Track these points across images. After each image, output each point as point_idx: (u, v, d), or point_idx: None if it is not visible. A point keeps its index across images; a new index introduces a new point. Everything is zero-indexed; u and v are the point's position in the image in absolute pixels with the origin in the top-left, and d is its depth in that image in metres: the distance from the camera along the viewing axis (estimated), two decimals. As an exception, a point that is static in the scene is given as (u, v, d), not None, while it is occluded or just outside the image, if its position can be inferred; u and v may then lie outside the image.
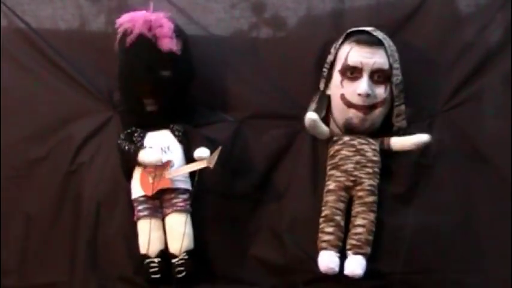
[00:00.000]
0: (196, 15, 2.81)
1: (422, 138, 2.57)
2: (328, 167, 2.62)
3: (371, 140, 2.62)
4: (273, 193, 2.68)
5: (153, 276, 2.52)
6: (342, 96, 2.60)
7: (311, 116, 2.58)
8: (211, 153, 2.53)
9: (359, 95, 2.56)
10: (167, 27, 2.58)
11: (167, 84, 2.59)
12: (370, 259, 2.55)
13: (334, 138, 2.63)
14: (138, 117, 2.64)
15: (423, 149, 2.60)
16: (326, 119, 2.69)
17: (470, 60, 2.74)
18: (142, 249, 2.55)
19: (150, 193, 2.55)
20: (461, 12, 2.79)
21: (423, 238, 2.60)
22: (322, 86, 2.69)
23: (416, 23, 2.78)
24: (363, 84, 2.56)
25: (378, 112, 2.61)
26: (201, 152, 2.54)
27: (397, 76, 2.62)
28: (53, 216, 2.68)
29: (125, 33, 2.58)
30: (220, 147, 2.52)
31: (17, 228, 2.70)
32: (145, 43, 2.56)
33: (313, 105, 2.70)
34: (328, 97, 2.68)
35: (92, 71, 2.79)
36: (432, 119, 2.71)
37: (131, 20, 2.58)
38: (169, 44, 2.56)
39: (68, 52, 2.81)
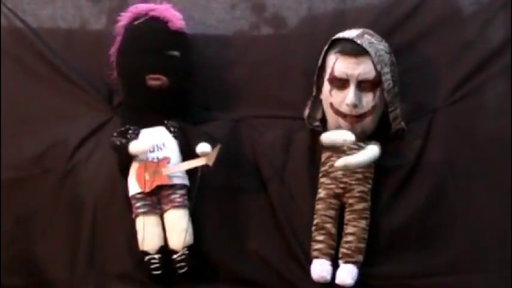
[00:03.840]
0: (196, 15, 2.81)
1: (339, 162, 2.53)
2: (320, 175, 2.60)
3: (362, 145, 2.59)
4: (271, 192, 2.65)
5: (154, 272, 2.52)
6: (331, 105, 2.60)
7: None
8: (211, 150, 2.52)
9: (347, 105, 2.56)
10: (176, 12, 2.69)
11: (174, 64, 2.65)
12: (368, 262, 2.54)
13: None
14: (140, 102, 2.65)
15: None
16: (324, 122, 2.69)
17: (471, 58, 2.73)
18: (142, 246, 2.54)
19: (146, 189, 2.55)
20: (462, 11, 2.78)
21: (422, 239, 2.59)
22: (314, 90, 2.69)
23: (418, 21, 2.77)
24: (350, 95, 2.55)
25: (368, 120, 2.60)
26: (204, 147, 2.53)
27: (388, 81, 2.59)
28: (51, 215, 2.67)
29: (134, 18, 2.66)
30: (219, 146, 2.52)
31: (16, 227, 2.69)
32: (156, 23, 2.65)
33: (307, 110, 2.70)
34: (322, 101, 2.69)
35: (91, 72, 2.79)
36: (432, 115, 2.69)
37: (139, 7, 2.68)
38: (179, 23, 2.66)
39: (67, 52, 2.81)
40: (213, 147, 2.53)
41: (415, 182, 2.63)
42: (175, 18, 2.66)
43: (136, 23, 2.65)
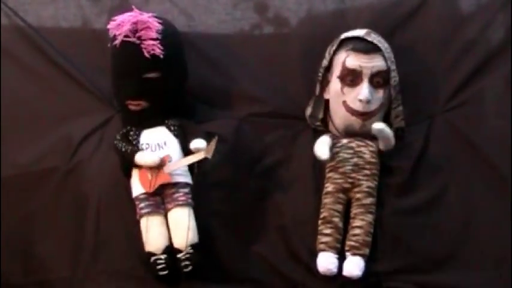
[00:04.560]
0: (197, 15, 2.82)
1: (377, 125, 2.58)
2: (327, 170, 2.62)
3: (369, 142, 2.62)
4: (274, 191, 2.66)
5: (160, 273, 2.51)
6: (345, 104, 2.61)
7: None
8: (208, 143, 2.52)
9: (360, 100, 2.57)
10: (153, 29, 2.57)
11: (154, 86, 2.60)
12: (368, 259, 2.55)
13: (333, 141, 2.63)
14: (129, 118, 2.65)
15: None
16: (325, 121, 2.70)
17: (471, 60, 2.74)
18: (148, 247, 2.53)
19: (150, 190, 2.54)
20: (462, 12, 2.80)
21: (422, 238, 2.60)
22: (317, 90, 2.70)
23: (417, 22, 2.78)
24: (364, 90, 2.57)
25: (375, 119, 2.62)
26: (197, 143, 2.53)
27: (395, 78, 2.62)
28: (53, 213, 2.66)
29: (113, 38, 2.59)
30: (216, 137, 2.51)
31: (18, 226, 2.68)
32: (129, 46, 2.56)
33: (309, 109, 2.71)
34: (325, 101, 2.69)
35: (93, 71, 2.79)
36: (432, 119, 2.71)
37: (119, 24, 2.57)
38: (152, 47, 2.56)
39: (69, 51, 2.80)
40: (210, 141, 2.52)
41: (415, 182, 2.64)
42: (150, 40, 2.55)
43: (114, 43, 2.58)
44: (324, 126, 2.70)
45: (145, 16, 2.56)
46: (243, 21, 2.85)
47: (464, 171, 2.67)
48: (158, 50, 2.55)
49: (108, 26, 2.59)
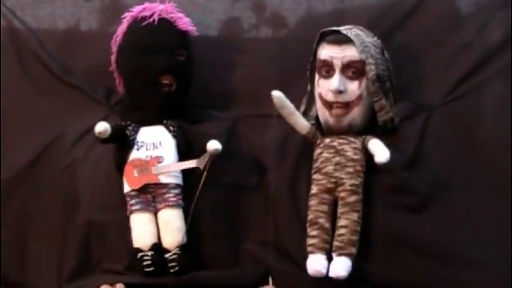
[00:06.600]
0: (195, 15, 2.82)
1: (381, 158, 2.51)
2: (312, 171, 2.60)
3: (352, 139, 2.59)
4: (268, 190, 2.65)
5: (146, 269, 2.53)
6: (320, 96, 2.61)
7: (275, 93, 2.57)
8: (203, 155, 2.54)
9: (331, 91, 2.56)
10: (181, 15, 2.72)
11: (182, 66, 2.68)
12: (367, 260, 2.53)
13: (318, 142, 2.62)
14: (151, 100, 2.66)
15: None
16: (317, 120, 2.69)
17: (470, 59, 2.72)
18: (136, 243, 2.56)
19: (134, 186, 2.57)
20: (461, 11, 2.78)
21: (421, 237, 2.56)
22: (309, 87, 2.69)
23: (416, 21, 2.77)
24: (334, 81, 2.56)
25: (356, 111, 2.59)
26: (215, 144, 2.53)
27: (372, 72, 2.59)
28: (46, 212, 2.68)
29: (141, 19, 2.67)
30: (211, 151, 2.52)
31: (11, 224, 2.71)
32: (164, 23, 2.68)
33: (302, 107, 2.70)
34: None
35: (89, 71, 2.82)
36: (430, 113, 2.68)
37: (145, 8, 2.69)
38: (187, 24, 2.70)
39: (65, 52, 2.83)
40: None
41: (412, 180, 2.61)
42: (183, 18, 2.70)
43: (144, 23, 2.66)
44: (318, 125, 2.68)
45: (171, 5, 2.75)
46: (241, 20, 2.85)
47: (463, 167, 2.64)
48: (193, 28, 2.70)
49: (131, 14, 2.70)
